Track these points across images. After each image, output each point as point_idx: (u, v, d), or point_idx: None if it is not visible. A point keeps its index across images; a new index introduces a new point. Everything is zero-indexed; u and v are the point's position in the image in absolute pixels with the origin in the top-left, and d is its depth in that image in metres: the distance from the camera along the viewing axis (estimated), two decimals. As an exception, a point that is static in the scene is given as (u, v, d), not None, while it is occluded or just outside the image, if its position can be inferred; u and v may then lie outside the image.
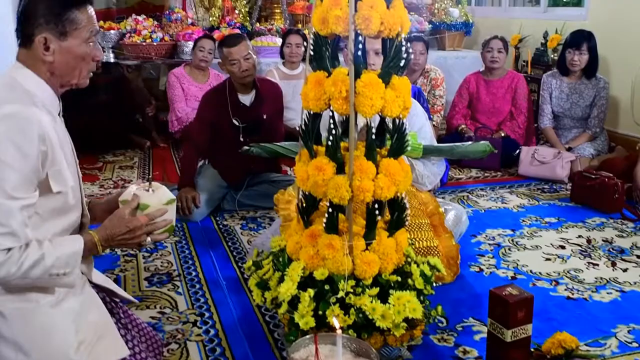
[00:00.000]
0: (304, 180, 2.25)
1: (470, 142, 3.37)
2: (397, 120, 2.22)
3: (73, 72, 1.91)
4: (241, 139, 3.82)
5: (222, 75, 5.57)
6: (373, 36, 2.14)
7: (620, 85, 5.46)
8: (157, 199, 2.03)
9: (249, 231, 3.67)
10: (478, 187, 4.54)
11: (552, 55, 6.02)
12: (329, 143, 2.19)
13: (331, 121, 2.17)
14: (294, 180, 2.69)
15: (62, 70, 1.89)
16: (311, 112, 2.25)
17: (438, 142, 4.95)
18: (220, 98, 3.89)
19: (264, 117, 3.92)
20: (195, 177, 3.99)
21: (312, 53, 2.24)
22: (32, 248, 1.73)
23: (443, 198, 4.20)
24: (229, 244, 3.49)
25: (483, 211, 4.04)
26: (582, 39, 4.83)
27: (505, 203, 4.19)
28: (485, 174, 4.83)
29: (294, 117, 4.96)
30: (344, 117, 2.22)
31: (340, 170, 2.21)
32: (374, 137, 2.20)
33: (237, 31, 6.06)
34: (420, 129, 3.26)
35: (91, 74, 1.99)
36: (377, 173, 2.19)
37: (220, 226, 3.76)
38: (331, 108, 2.17)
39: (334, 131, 2.17)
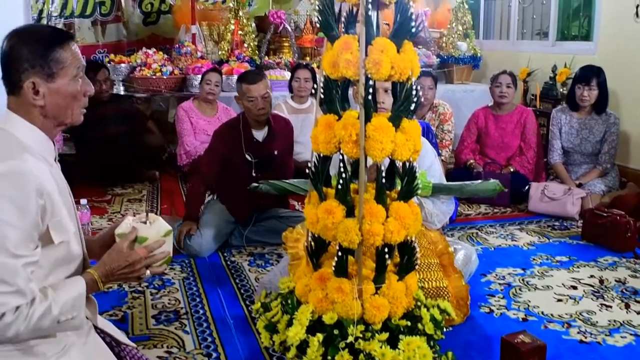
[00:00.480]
0: (313, 223, 2.24)
1: (480, 181, 3.34)
2: (407, 163, 2.21)
3: (66, 111, 1.88)
4: (253, 174, 3.83)
5: (230, 109, 5.61)
6: (383, 80, 2.14)
7: (631, 120, 5.45)
8: (154, 231, 2.02)
9: (256, 268, 3.64)
10: (487, 224, 4.50)
11: (561, 89, 6.01)
12: (339, 186, 2.18)
13: (341, 164, 2.16)
14: (302, 217, 2.68)
15: (55, 112, 1.85)
16: (321, 155, 2.24)
17: (447, 176, 4.94)
18: (233, 133, 3.91)
19: (276, 152, 3.94)
20: (200, 210, 4.00)
21: (322, 96, 2.24)
22: (38, 301, 1.72)
23: (452, 235, 4.18)
24: (237, 281, 3.46)
25: (493, 249, 4.00)
26: (591, 74, 4.82)
27: (515, 240, 4.15)
28: (495, 210, 4.80)
29: (302, 151, 4.96)
30: (354, 160, 2.21)
31: (350, 213, 2.20)
32: (384, 180, 2.19)
33: (246, 65, 6.12)
34: (430, 167, 3.24)
35: (84, 110, 1.95)
36: (387, 216, 2.17)
37: (228, 262, 3.74)
38: (341, 151, 2.17)
39: (344, 174, 2.16)
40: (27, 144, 1.80)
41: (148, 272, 2.00)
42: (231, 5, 6.65)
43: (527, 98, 6.55)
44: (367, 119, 2.12)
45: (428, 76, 5.26)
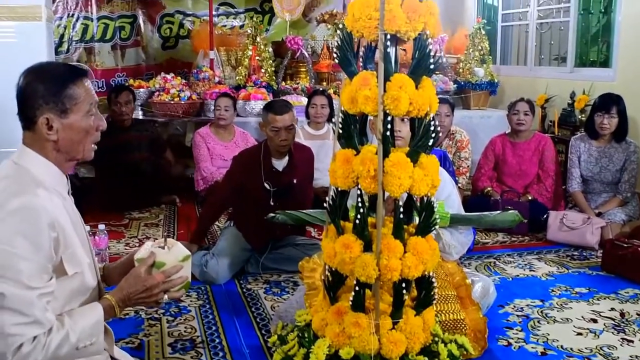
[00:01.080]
0: (331, 257, 2.23)
1: (498, 212, 3.33)
2: (425, 198, 2.21)
3: (78, 146, 1.94)
4: (271, 203, 3.84)
5: (247, 133, 5.64)
6: (402, 116, 2.15)
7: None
8: (173, 256, 2.05)
9: (272, 296, 3.64)
10: (505, 253, 4.46)
11: (579, 116, 5.98)
12: (357, 221, 2.18)
13: (359, 199, 2.16)
14: (319, 244, 2.68)
15: (67, 147, 1.91)
16: (339, 189, 2.25)
17: (464, 204, 4.92)
18: (253, 161, 3.93)
19: (295, 181, 3.94)
20: (211, 236, 4.11)
21: (340, 131, 2.24)
22: (55, 330, 1.75)
23: (469, 264, 4.16)
24: (253, 309, 3.45)
25: (510, 279, 3.96)
26: (611, 102, 4.79)
27: (534, 271, 4.11)
28: (513, 239, 4.76)
29: (319, 176, 4.96)
30: (372, 194, 2.21)
31: (367, 247, 2.20)
32: (401, 214, 2.18)
33: (264, 90, 6.14)
34: (448, 197, 3.23)
35: (95, 146, 2.02)
36: (405, 251, 2.17)
37: (244, 290, 3.74)
38: (359, 186, 2.17)
39: (361, 209, 2.16)
40: (41, 178, 1.85)
41: (166, 297, 2.03)
42: (249, 31, 6.68)
43: (545, 124, 6.52)
44: (385, 154, 2.12)
45: (445, 103, 5.26)
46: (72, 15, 7.44)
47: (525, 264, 4.23)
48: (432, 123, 2.18)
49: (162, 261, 2.03)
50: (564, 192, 5.19)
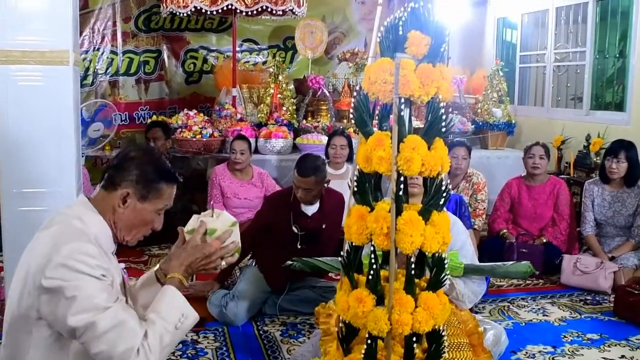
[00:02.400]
0: (344, 310, 2.32)
1: (511, 263, 3.40)
2: (437, 255, 2.30)
3: (131, 230, 2.10)
4: (298, 246, 3.92)
5: (264, 173, 5.69)
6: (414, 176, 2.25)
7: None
8: (221, 222, 2.20)
9: (288, 339, 3.72)
10: (519, 297, 4.52)
11: (594, 159, 6.05)
12: (370, 276, 2.27)
13: (372, 255, 2.26)
14: (335, 287, 2.76)
15: (124, 225, 2.07)
16: (353, 244, 2.34)
17: (480, 245, 5.01)
18: (283, 203, 4.02)
19: (324, 226, 4.01)
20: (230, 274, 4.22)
21: (355, 188, 2.35)
22: (150, 330, 1.91)
23: (483, 308, 4.22)
24: (269, 352, 3.54)
25: (524, 324, 4.02)
26: (620, 147, 4.87)
27: (547, 315, 4.17)
28: (527, 282, 4.81)
29: (340, 216, 5.04)
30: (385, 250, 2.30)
31: (380, 301, 2.28)
32: (413, 270, 2.27)
33: (285, 128, 6.25)
34: (462, 247, 3.32)
35: (142, 238, 2.18)
36: (416, 306, 2.25)
37: (261, 332, 3.82)
38: (372, 242, 2.26)
39: (374, 265, 2.25)
40: (96, 235, 2.00)
41: (223, 262, 2.18)
42: (271, 70, 6.83)
43: (562, 166, 6.59)
44: (398, 212, 2.22)
45: (462, 146, 5.35)
46: (98, 49, 7.67)
47: (539, 309, 4.28)
48: (444, 183, 2.28)
49: (214, 227, 2.17)
50: (579, 234, 5.24)
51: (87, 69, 7.56)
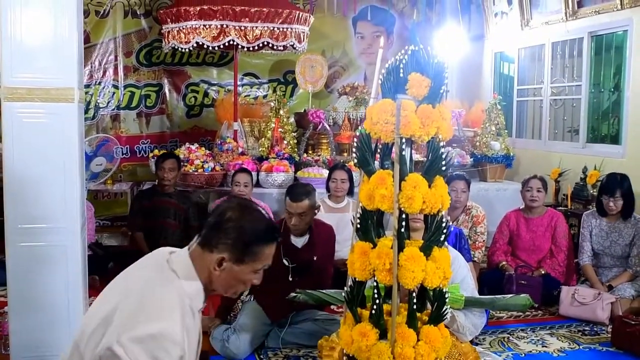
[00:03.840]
0: (348, 344, 2.39)
1: (510, 296, 3.48)
2: (438, 289, 2.37)
3: (227, 289, 2.09)
4: (290, 279, 3.97)
5: (264, 206, 5.69)
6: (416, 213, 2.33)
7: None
8: None
9: (292, 371, 3.76)
10: (519, 328, 4.57)
11: (591, 191, 6.14)
12: (373, 311, 2.34)
13: (375, 290, 2.33)
14: (338, 319, 2.82)
15: (219, 285, 2.06)
16: (356, 279, 2.41)
17: (479, 278, 5.07)
18: None
19: (315, 258, 4.08)
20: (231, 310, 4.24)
21: (358, 225, 2.43)
22: None
23: (484, 339, 4.26)
24: (273, 384, 3.57)
25: (523, 355, 4.07)
26: (615, 185, 4.96)
27: (546, 347, 4.21)
28: (526, 313, 4.85)
29: (339, 249, 5.09)
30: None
31: (382, 335, 2.35)
32: (415, 305, 2.34)
33: (286, 162, 6.34)
34: (462, 280, 3.39)
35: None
36: (418, 339, 2.32)
37: (264, 364, 3.86)
38: (375, 278, 2.34)
39: (377, 300, 2.32)
40: (191, 297, 1.99)
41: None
42: (272, 103, 6.93)
43: (559, 198, 6.67)
44: (400, 248, 2.30)
45: (461, 179, 5.43)
46: (100, 83, 7.74)
47: (538, 340, 4.33)
48: (444, 220, 2.36)
49: None
50: (577, 265, 5.31)
51: (89, 102, 7.64)
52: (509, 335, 4.39)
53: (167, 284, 1.97)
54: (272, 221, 2.17)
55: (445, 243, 2.92)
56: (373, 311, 2.34)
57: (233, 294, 2.13)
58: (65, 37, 3.58)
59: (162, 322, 1.85)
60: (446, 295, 2.37)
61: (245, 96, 8.26)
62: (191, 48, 6.44)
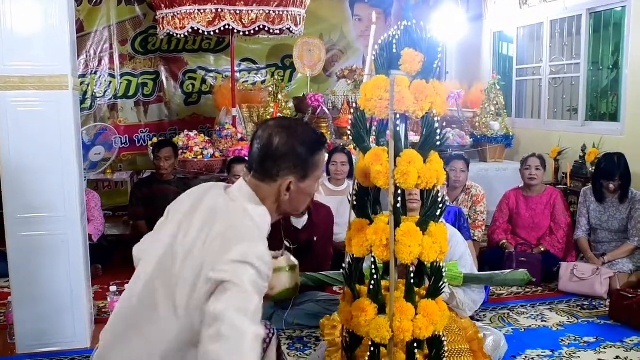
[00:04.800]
0: (348, 320, 2.41)
1: (509, 271, 3.51)
2: (435, 264, 2.39)
3: (298, 206, 2.12)
4: None
5: None
6: (411, 188, 2.34)
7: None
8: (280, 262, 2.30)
9: (295, 351, 3.79)
10: (519, 304, 4.61)
11: (590, 169, 6.14)
12: (371, 286, 2.36)
13: (373, 266, 2.35)
14: (339, 300, 2.84)
15: (290, 206, 2.09)
16: (354, 256, 2.43)
17: (480, 256, 5.11)
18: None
19: (315, 239, 4.12)
20: None
21: (355, 202, 2.44)
22: None
23: (484, 316, 4.30)
24: (276, 364, 3.60)
25: (523, 330, 4.11)
26: (613, 168, 4.98)
27: (545, 321, 4.26)
28: (526, 290, 4.90)
29: (340, 232, 5.12)
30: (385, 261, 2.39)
31: (381, 310, 2.37)
32: (412, 280, 2.36)
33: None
34: (461, 257, 3.42)
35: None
36: (416, 313, 2.34)
37: (268, 345, 3.88)
38: (373, 254, 2.36)
39: (375, 275, 2.34)
40: (262, 228, 2.00)
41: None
42: (270, 89, 6.90)
43: (559, 176, 6.68)
44: (397, 224, 2.31)
45: (460, 159, 5.45)
46: (95, 72, 7.68)
47: (538, 315, 4.37)
48: (440, 194, 2.37)
49: (279, 266, 2.27)
50: (576, 242, 5.34)
51: (85, 92, 7.57)
52: (509, 312, 4.43)
53: (241, 211, 1.98)
54: (314, 128, 2.21)
55: (444, 221, 2.94)
56: (371, 287, 2.36)
57: (301, 210, 2.18)
58: (57, 24, 3.58)
59: (252, 243, 1.87)
60: (443, 270, 2.39)
61: (243, 82, 8.22)
62: (187, 34, 6.36)
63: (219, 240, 1.88)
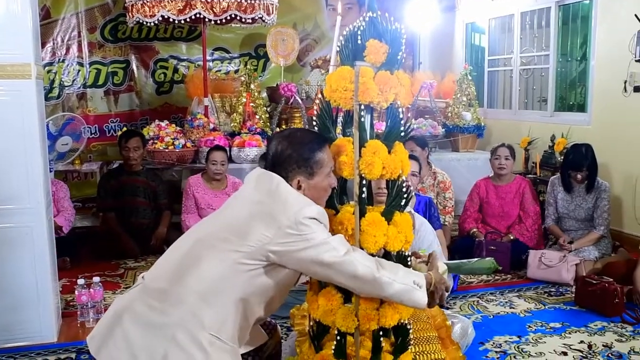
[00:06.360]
0: (314, 309, 2.43)
1: (476, 259, 3.52)
2: (400, 253, 2.41)
3: (318, 201, 2.31)
4: None
5: (239, 182, 5.69)
6: (376, 179, 2.36)
7: (623, 186, 5.77)
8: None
9: (265, 341, 3.80)
10: (488, 291, 4.68)
11: (559, 158, 6.22)
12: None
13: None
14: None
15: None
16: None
17: (451, 245, 5.16)
18: None
19: None
20: None
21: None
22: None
23: (454, 303, 4.35)
24: (246, 354, 3.61)
25: (492, 317, 4.18)
26: (581, 159, 5.05)
27: (513, 308, 4.33)
28: (496, 277, 4.97)
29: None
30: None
31: (347, 299, 2.39)
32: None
33: (258, 137, 6.32)
34: (429, 246, 3.45)
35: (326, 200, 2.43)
36: (381, 302, 2.36)
37: (238, 334, 3.88)
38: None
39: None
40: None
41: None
42: (243, 78, 6.85)
43: (529, 166, 6.76)
44: (362, 214, 2.33)
45: (412, 140, 5.42)
46: (63, 60, 7.56)
47: (506, 302, 4.44)
48: (405, 185, 2.39)
49: (444, 270, 2.59)
50: (544, 231, 5.42)
51: (53, 81, 7.46)
52: (478, 299, 4.50)
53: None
54: (314, 131, 2.46)
55: (412, 210, 2.97)
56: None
57: (322, 204, 2.35)
58: (18, 10, 3.50)
59: (313, 206, 2.21)
60: (409, 259, 2.42)
61: (216, 71, 8.17)
62: (157, 22, 6.30)
63: (282, 207, 2.24)
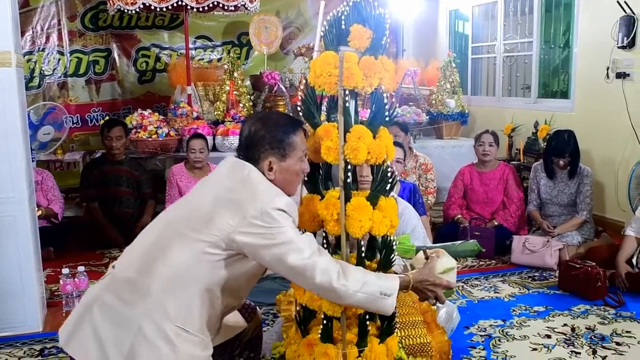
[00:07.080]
0: (301, 294, 2.44)
1: (460, 242, 3.55)
2: (386, 237, 2.42)
3: (289, 185, 2.34)
4: None
5: None
6: (361, 164, 2.36)
7: (605, 172, 5.82)
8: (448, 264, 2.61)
9: (252, 328, 3.80)
10: (473, 277, 4.72)
11: (542, 144, 6.26)
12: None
13: (324, 240, 2.37)
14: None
15: (281, 185, 2.29)
16: (305, 231, 2.44)
17: (435, 231, 5.18)
18: None
19: None
20: None
21: (306, 178, 2.45)
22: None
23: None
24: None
25: (476, 301, 4.21)
26: (564, 146, 5.08)
27: (498, 292, 4.37)
28: (480, 262, 5.01)
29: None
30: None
31: (333, 284, 2.39)
32: (363, 253, 2.39)
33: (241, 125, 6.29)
34: (413, 230, 3.46)
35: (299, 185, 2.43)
36: (368, 287, 2.36)
37: (224, 322, 3.89)
38: (324, 229, 2.38)
39: (327, 250, 2.36)
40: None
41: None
42: (226, 66, 6.82)
43: (512, 152, 6.80)
44: (347, 199, 2.33)
45: (395, 125, 5.47)
46: (43, 49, 7.46)
47: (491, 287, 4.48)
48: (389, 169, 2.40)
49: (449, 267, 2.61)
50: (528, 216, 5.46)
51: (33, 70, 7.36)
52: (463, 284, 4.53)
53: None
54: (290, 115, 2.48)
55: (395, 195, 2.97)
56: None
57: (294, 189, 2.38)
58: (-5, -2, 3.43)
59: (282, 197, 2.21)
60: (394, 243, 2.42)
61: (198, 60, 8.10)
62: (138, 10, 6.24)
63: (250, 197, 2.21)
